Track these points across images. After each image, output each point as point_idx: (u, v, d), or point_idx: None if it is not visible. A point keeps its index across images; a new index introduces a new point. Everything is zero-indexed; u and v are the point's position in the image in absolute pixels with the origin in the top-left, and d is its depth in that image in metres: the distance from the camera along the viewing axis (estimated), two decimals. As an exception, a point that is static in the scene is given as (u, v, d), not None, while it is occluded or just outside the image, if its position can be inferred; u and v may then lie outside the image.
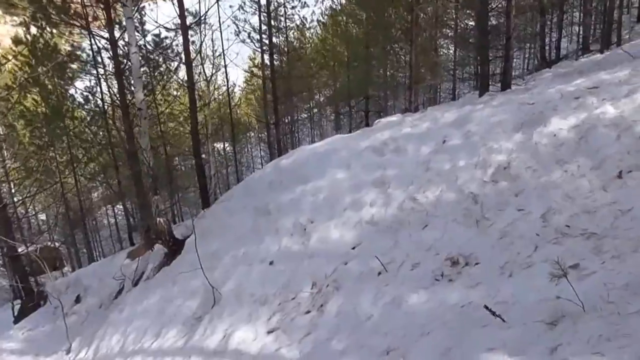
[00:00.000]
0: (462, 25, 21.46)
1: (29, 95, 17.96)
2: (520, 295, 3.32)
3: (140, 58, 8.86)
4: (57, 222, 25.52)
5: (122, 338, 7.60)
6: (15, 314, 18.87)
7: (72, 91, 20.14)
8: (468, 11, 20.17)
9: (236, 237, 7.37)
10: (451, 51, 23.16)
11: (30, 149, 19.62)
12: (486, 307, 3.19)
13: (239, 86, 26.08)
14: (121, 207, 36.84)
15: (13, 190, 21.41)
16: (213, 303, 6.28)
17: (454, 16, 20.59)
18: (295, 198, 6.88)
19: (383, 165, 6.32)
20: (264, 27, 15.66)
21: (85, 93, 17.28)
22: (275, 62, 15.89)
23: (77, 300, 14.80)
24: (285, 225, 6.52)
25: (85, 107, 18.77)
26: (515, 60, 23.21)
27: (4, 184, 20.09)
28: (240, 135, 27.26)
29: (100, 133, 18.59)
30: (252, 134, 33.81)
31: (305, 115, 30.96)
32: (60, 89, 18.60)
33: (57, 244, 27.86)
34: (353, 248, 5.48)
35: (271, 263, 6.08)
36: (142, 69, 8.51)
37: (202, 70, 12.76)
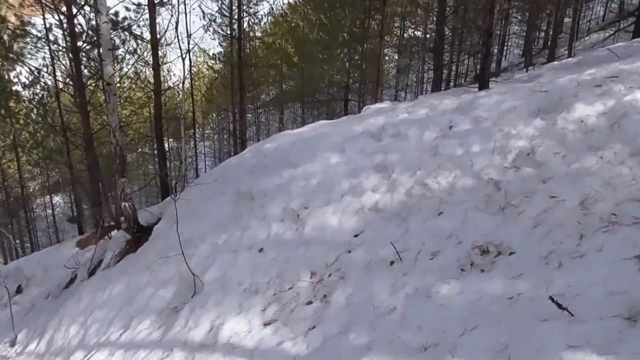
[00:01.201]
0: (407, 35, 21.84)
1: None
2: (581, 288, 2.98)
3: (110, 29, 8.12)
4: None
5: (82, 329, 6.92)
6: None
7: (18, 70, 18.88)
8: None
9: (214, 223, 6.81)
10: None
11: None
12: (552, 299, 2.83)
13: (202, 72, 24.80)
14: (59, 198, 35.20)
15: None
16: (193, 292, 5.72)
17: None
18: (284, 183, 6.39)
19: (384, 150, 5.93)
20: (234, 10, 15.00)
21: (34, 71, 16.03)
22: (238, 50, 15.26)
23: (19, 290, 13.80)
24: (273, 211, 6.02)
25: (33, 88, 17.55)
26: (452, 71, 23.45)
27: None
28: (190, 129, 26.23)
29: (50, 117, 17.35)
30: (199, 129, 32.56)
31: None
32: (5, 66, 17.34)
33: (-14, 234, 26.32)
34: (355, 236, 5.06)
35: (261, 250, 5.58)
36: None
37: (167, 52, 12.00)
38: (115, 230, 11.02)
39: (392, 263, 4.42)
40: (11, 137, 19.44)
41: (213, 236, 6.52)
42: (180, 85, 7.73)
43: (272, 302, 4.83)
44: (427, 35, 22.90)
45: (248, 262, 5.51)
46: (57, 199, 35.14)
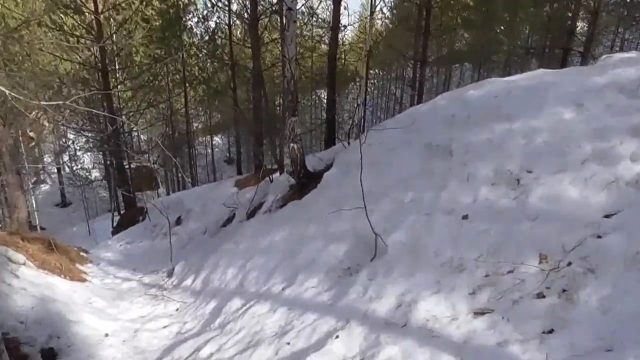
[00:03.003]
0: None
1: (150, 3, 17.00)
2: None
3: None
4: (157, 143, 25.14)
5: (240, 274, 6.36)
6: (114, 225, 18.83)
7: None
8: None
9: (398, 177, 5.79)
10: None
11: (144, 62, 18.86)
12: None
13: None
14: (219, 139, 36.76)
15: (127, 105, 21.14)
16: (373, 255, 4.77)
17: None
18: (495, 139, 5.14)
19: (645, 110, 4.42)
20: None
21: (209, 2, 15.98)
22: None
23: (178, 221, 14.12)
24: (481, 172, 4.82)
25: (205, 22, 17.65)
26: None
27: (115, 98, 19.80)
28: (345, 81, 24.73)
29: (220, 51, 17.35)
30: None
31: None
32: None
33: (155, 166, 27.95)
34: (607, 216, 3.70)
35: (465, 217, 4.43)
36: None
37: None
38: (278, 174, 10.52)
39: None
40: (180, 73, 19.97)
41: (397, 192, 5.50)
42: (368, 17, 6.70)
43: (484, 285, 3.70)
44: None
45: (447, 230, 4.41)
46: (217, 139, 36.81)
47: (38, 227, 19.09)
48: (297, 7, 7.38)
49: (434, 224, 4.56)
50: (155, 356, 5.07)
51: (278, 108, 16.32)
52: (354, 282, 4.53)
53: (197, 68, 19.23)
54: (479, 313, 3.48)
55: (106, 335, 5.56)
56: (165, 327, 6.04)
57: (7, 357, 3.96)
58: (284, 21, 7.33)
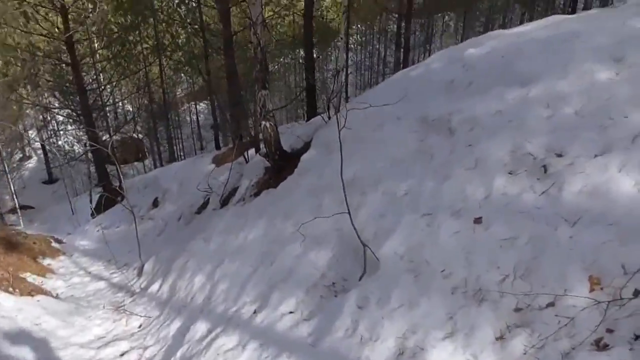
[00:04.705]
0: None
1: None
2: None
3: None
4: (140, 114, 23.95)
5: (209, 284, 5.39)
6: (94, 204, 17.80)
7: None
8: None
9: (389, 161, 4.71)
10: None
11: (114, 30, 17.48)
12: None
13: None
14: (204, 105, 35.37)
15: (100, 78, 19.85)
16: (363, 271, 3.75)
17: None
18: (508, 110, 4.05)
19: None
20: None
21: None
22: None
23: (155, 203, 13.21)
24: (493, 156, 3.74)
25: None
26: None
27: (89, 68, 18.48)
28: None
29: (191, 16, 16.00)
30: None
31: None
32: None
33: (140, 136, 26.93)
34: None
35: (478, 221, 3.38)
36: None
37: None
38: (254, 151, 9.44)
39: None
40: (154, 39, 18.64)
41: (388, 181, 4.44)
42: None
43: (515, 325, 2.68)
44: None
45: (456, 238, 3.37)
46: (202, 105, 35.45)
47: (18, 208, 18.03)
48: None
49: (438, 229, 3.51)
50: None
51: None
52: (340, 309, 3.51)
53: (169, 35, 17.89)
54: (514, 371, 2.48)
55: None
56: (122, 354, 5.08)
57: None
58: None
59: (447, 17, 30.20)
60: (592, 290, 2.62)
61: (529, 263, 2.91)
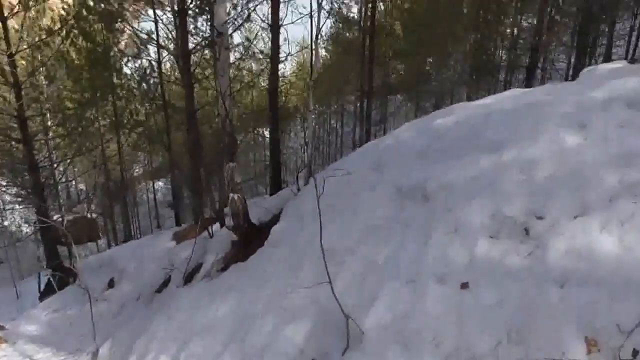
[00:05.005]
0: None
1: (74, 42, 15.57)
2: None
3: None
4: (95, 192, 23.41)
5: (174, 367, 5.02)
6: (42, 287, 16.90)
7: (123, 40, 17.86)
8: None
9: (365, 229, 4.66)
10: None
11: (70, 107, 17.28)
12: None
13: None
14: (161, 183, 35.03)
15: (53, 155, 19.40)
16: (346, 345, 3.58)
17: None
18: (483, 175, 4.11)
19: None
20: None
21: (142, 36, 14.63)
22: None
23: (111, 284, 12.56)
24: (473, 220, 3.74)
25: (135, 61, 16.33)
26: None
27: (42, 145, 18.07)
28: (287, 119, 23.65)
29: (152, 93, 16.05)
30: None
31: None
32: (107, 36, 16.25)
33: (94, 215, 26.25)
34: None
35: (465, 286, 3.32)
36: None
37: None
38: (218, 225, 9.25)
39: None
40: (113, 117, 18.49)
41: (367, 248, 4.36)
42: (311, 44, 5.70)
43: (515, 393, 2.58)
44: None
45: (444, 304, 3.28)
46: (160, 183, 35.07)
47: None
48: (230, 32, 6.27)
49: (424, 295, 3.42)
50: None
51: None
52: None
53: (128, 111, 17.82)
54: None
55: None
56: None
57: None
58: (215, 50, 6.24)
59: (399, 97, 31.44)
60: (589, 352, 2.56)
61: (522, 327, 2.84)
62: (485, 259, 3.40)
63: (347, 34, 19.14)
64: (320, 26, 5.53)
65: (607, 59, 15.64)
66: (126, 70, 17.25)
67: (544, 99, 4.64)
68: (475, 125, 4.74)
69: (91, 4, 14.15)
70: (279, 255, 5.43)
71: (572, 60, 17.11)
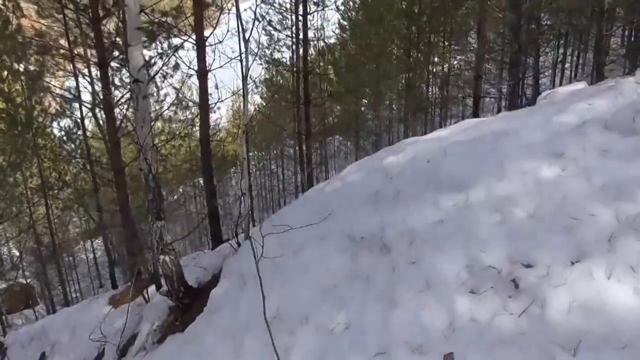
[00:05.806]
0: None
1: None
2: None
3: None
4: (22, 258, 21.82)
5: None
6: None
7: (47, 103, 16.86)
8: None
9: (316, 289, 3.97)
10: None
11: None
12: None
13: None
14: (100, 242, 33.31)
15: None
16: None
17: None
18: (448, 218, 3.54)
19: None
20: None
21: (68, 95, 13.70)
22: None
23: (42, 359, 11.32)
24: (445, 272, 3.14)
25: (59, 119, 15.38)
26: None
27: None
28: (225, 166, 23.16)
29: (78, 151, 15.13)
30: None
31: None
32: (30, 97, 15.27)
33: (28, 281, 24.60)
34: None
35: (449, 357, 2.68)
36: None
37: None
38: (154, 288, 8.34)
39: None
40: (38, 178, 17.34)
41: (321, 315, 3.66)
42: (243, 85, 5.14)
43: None
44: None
45: (426, 386, 2.63)
46: (98, 242, 33.48)
47: None
48: (148, 80, 5.56)
49: (399, 374, 2.76)
50: None
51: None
52: None
53: (55, 173, 16.72)
54: None
55: None
56: None
57: None
58: (132, 99, 5.57)
59: (338, 137, 31.46)
60: None
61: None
62: (469, 321, 2.79)
63: (280, 80, 19.01)
64: (250, 65, 4.91)
65: (536, 90, 16.19)
66: (50, 128, 16.32)
67: (505, 127, 4.18)
68: (432, 160, 4.20)
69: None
70: (220, 324, 4.63)
71: (504, 89, 17.56)
